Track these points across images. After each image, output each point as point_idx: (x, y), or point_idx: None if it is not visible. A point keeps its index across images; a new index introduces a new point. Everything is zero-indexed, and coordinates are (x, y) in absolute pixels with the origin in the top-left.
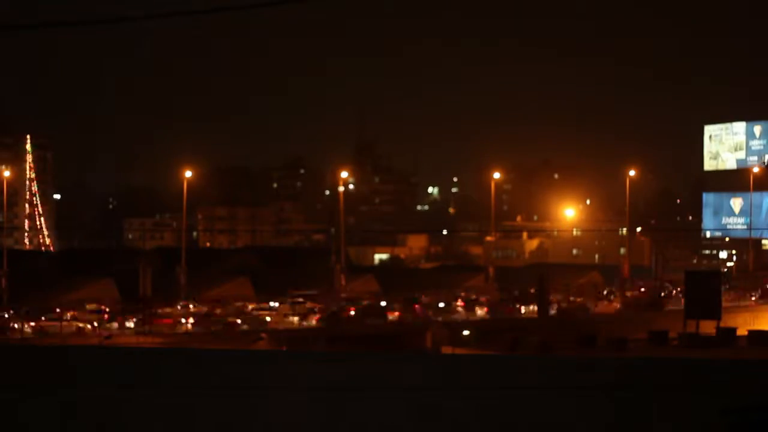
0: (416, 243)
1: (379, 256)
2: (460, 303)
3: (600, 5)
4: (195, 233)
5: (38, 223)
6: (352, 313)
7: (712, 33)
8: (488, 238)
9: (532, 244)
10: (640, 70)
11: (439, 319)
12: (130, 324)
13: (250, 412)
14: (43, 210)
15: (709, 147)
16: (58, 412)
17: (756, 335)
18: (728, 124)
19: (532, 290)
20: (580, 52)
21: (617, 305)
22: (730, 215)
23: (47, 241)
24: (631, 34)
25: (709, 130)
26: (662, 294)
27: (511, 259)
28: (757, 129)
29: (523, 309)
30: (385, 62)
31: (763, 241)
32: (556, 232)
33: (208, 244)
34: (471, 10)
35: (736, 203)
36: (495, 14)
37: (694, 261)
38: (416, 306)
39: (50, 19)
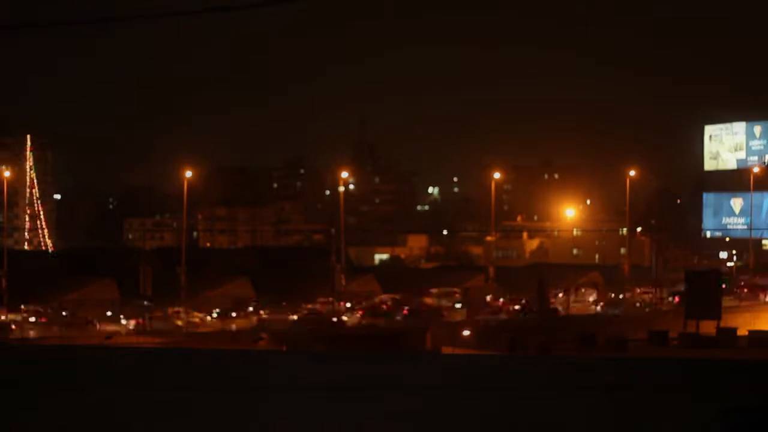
0: (416, 243)
1: (379, 256)
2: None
3: (600, 5)
4: (195, 233)
5: (38, 223)
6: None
7: (713, 33)
8: (488, 238)
9: (533, 244)
10: (640, 71)
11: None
12: None
13: (250, 412)
14: (43, 210)
15: (709, 147)
16: (58, 413)
17: (756, 335)
18: (728, 124)
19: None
20: (579, 52)
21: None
22: (730, 215)
23: (47, 241)
24: (631, 34)
25: (709, 130)
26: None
27: (512, 259)
28: (757, 129)
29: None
30: (385, 63)
31: (763, 241)
32: (556, 232)
33: (208, 244)
34: (471, 10)
35: (736, 203)
36: (495, 14)
37: (695, 261)
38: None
39: (50, 19)
